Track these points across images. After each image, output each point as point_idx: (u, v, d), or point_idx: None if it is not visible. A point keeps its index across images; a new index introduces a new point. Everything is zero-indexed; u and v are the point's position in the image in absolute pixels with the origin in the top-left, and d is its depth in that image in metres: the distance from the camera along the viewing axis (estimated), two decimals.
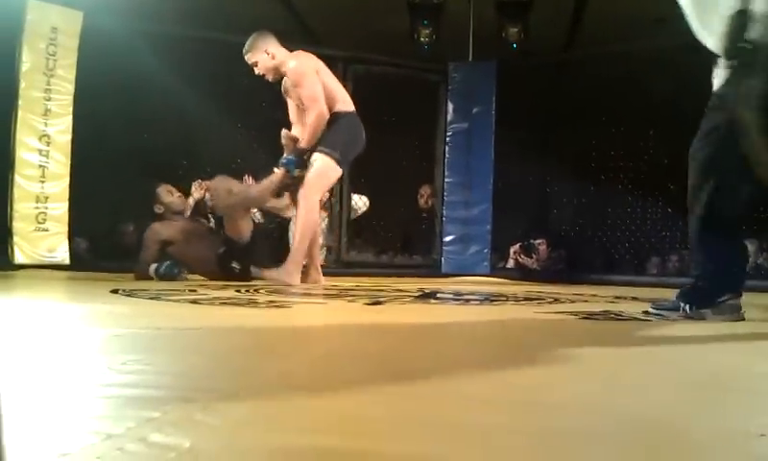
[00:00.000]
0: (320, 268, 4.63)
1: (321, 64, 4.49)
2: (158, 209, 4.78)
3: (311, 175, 4.35)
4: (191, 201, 5.39)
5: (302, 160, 4.38)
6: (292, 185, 4.46)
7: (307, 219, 4.33)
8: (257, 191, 4.74)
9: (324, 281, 4.51)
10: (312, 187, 4.35)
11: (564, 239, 6.79)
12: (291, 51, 4.49)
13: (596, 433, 0.88)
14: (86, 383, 1.12)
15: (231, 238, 4.64)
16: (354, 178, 6.17)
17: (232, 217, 4.68)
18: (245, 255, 4.63)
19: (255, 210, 5.05)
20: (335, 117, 4.39)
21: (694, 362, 1.61)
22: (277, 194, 4.68)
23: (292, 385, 1.14)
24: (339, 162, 4.39)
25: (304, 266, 4.43)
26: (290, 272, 4.26)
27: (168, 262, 4.52)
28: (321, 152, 4.34)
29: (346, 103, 4.47)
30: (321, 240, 4.89)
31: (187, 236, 4.69)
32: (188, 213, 5.21)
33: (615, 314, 2.70)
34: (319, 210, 4.54)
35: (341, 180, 5.32)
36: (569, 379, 1.31)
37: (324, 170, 4.36)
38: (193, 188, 5.41)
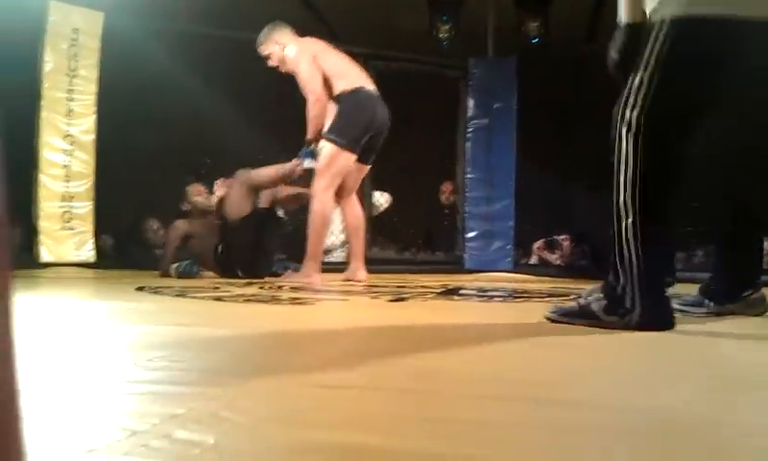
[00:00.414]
0: (363, 263, 4.41)
1: (321, 47, 4.31)
2: (185, 207, 4.83)
3: (318, 165, 4.18)
4: (214, 199, 5.44)
5: (315, 152, 4.25)
6: (304, 177, 4.33)
7: (316, 212, 4.14)
8: (263, 173, 4.67)
9: (366, 277, 4.32)
10: (320, 178, 4.17)
11: (588, 234, 6.73)
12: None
13: (616, 429, 0.86)
14: (112, 380, 1.12)
15: (224, 216, 4.64)
16: (375, 175, 6.17)
17: (229, 192, 4.70)
18: (230, 237, 4.59)
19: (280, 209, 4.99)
20: (339, 99, 4.20)
21: (719, 358, 1.58)
22: (287, 183, 4.59)
23: (315, 381, 1.13)
24: (347, 147, 4.13)
25: (320, 261, 4.26)
26: (307, 271, 4.13)
27: (187, 261, 4.56)
28: (325, 138, 4.16)
29: (350, 80, 4.22)
30: (361, 233, 4.53)
31: (207, 232, 4.72)
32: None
33: None
34: (331, 202, 4.23)
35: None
36: (591, 375, 1.29)
37: (329, 158, 4.13)
38: (216, 187, 5.46)
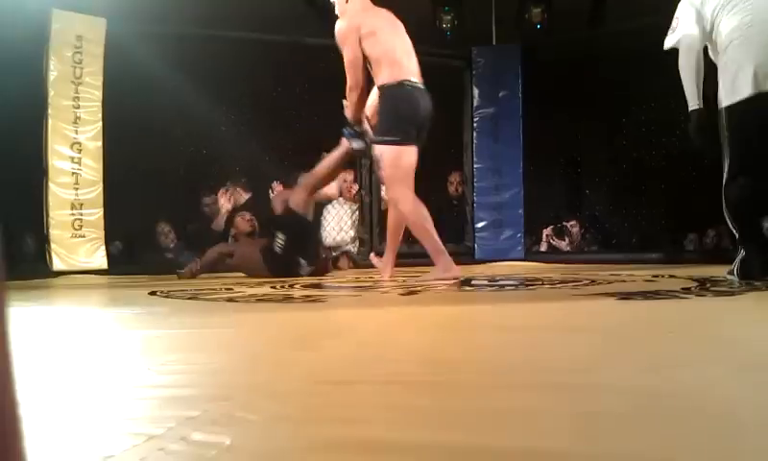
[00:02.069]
0: (390, 261, 4.29)
1: (370, 26, 3.99)
2: (233, 233, 5.37)
3: (383, 172, 4.02)
4: (224, 211, 5.56)
5: (357, 133, 4.15)
6: (355, 157, 4.45)
7: (411, 221, 3.99)
8: (321, 170, 4.72)
9: (386, 274, 4.22)
10: (390, 184, 4.05)
11: (599, 219, 6.71)
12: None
13: (641, 414, 0.85)
14: (127, 385, 1.12)
15: (296, 212, 4.73)
16: None
17: (292, 197, 4.82)
18: (303, 232, 4.72)
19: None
20: (381, 93, 4.00)
21: (741, 341, 1.57)
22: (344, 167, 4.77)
23: (328, 378, 1.13)
24: (403, 142, 3.90)
25: (445, 252, 4.05)
26: (445, 266, 3.92)
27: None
28: (378, 142, 3.97)
29: (394, 72, 3.93)
30: (395, 234, 4.29)
31: (249, 247, 4.95)
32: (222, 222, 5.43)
33: (653, 293, 2.66)
34: (412, 200, 3.95)
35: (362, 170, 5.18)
36: (613, 361, 1.29)
37: (388, 162, 3.92)
38: (219, 195, 5.57)
